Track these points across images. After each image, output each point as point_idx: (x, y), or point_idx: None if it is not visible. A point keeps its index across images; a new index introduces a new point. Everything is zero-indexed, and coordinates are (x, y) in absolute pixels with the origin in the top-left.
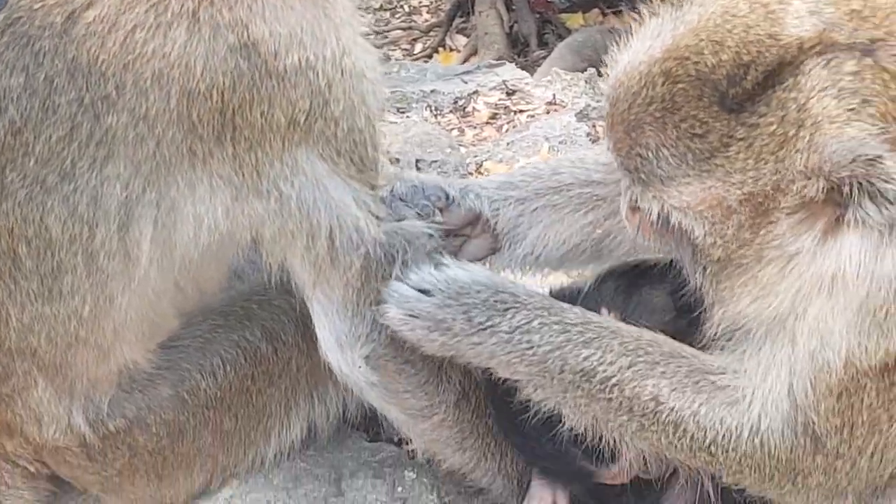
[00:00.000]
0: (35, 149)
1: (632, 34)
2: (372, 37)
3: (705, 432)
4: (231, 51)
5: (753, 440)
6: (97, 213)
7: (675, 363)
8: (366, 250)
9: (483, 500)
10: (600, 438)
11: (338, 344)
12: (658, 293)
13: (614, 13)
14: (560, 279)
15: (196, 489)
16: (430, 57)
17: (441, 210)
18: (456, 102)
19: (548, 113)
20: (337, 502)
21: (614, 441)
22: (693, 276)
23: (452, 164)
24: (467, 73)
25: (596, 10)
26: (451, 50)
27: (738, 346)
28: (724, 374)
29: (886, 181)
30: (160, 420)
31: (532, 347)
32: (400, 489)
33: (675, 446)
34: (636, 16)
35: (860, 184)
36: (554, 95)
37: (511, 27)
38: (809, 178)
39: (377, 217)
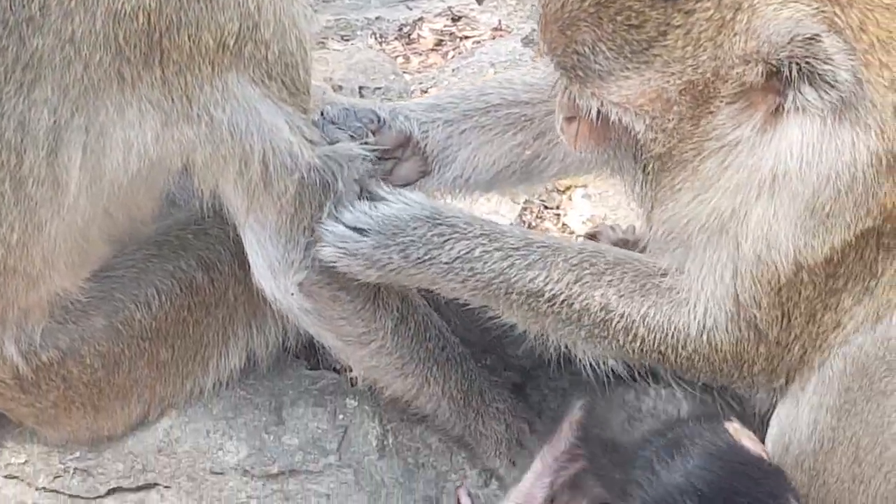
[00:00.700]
0: None
1: None
2: None
3: (655, 334)
4: None
5: (701, 338)
6: (25, 138)
7: (621, 270)
8: (300, 175)
9: (427, 426)
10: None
11: (271, 271)
12: None
13: None
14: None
15: (134, 420)
16: None
17: (373, 132)
18: (401, 29)
19: (493, 39)
20: (277, 431)
21: (566, 347)
22: (633, 183)
23: (396, 90)
24: None
25: None
26: None
27: (681, 248)
28: (669, 276)
29: (825, 62)
30: (94, 351)
31: (475, 275)
32: (341, 417)
33: (627, 350)
34: None
35: (799, 66)
36: (500, 21)
37: None
38: (748, 63)
39: (310, 141)
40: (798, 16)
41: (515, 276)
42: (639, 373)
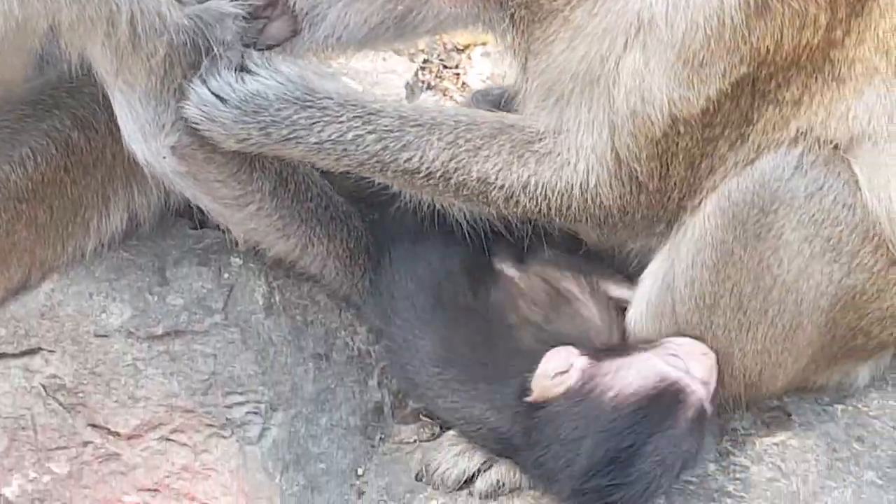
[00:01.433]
0: None
1: None
2: None
3: (537, 200)
4: None
5: (584, 196)
6: None
7: (498, 143)
8: (169, 37)
9: (314, 283)
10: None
11: (141, 133)
12: None
13: None
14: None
15: (14, 285)
16: None
17: None
18: None
19: None
20: (161, 292)
21: (445, 208)
22: (505, 35)
23: None
24: None
25: None
26: None
27: (558, 106)
28: (546, 139)
29: None
30: None
31: (347, 155)
32: (226, 276)
33: (510, 213)
34: None
35: None
36: None
37: None
38: None
39: (179, 1)
40: None
41: (390, 157)
42: None
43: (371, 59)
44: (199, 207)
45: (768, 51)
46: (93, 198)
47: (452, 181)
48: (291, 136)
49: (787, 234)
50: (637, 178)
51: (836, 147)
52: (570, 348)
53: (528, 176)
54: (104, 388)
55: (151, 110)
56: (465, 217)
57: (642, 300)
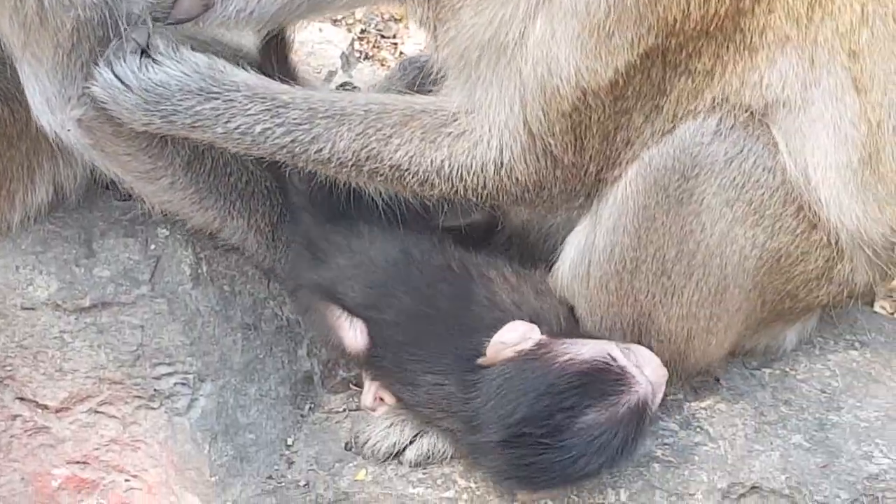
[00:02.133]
0: None
1: None
2: None
3: (452, 182)
4: None
5: (500, 174)
6: None
7: (409, 130)
8: (76, 12)
9: (240, 254)
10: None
11: (48, 106)
12: None
13: None
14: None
15: None
16: None
17: None
18: None
19: None
20: (88, 263)
21: (360, 188)
22: (414, 4)
23: None
24: None
25: None
26: None
27: (467, 81)
28: (460, 119)
29: None
30: None
31: (256, 145)
32: (153, 247)
33: (426, 195)
34: None
35: None
36: None
37: None
38: None
39: None
40: None
41: (300, 149)
42: None
43: (308, 30)
44: None
45: (676, 20)
46: (18, 170)
47: (365, 170)
48: (196, 125)
49: (709, 198)
50: (551, 152)
51: (752, 114)
52: (532, 325)
53: (442, 160)
54: (32, 360)
55: (58, 83)
56: (381, 196)
57: (565, 264)
